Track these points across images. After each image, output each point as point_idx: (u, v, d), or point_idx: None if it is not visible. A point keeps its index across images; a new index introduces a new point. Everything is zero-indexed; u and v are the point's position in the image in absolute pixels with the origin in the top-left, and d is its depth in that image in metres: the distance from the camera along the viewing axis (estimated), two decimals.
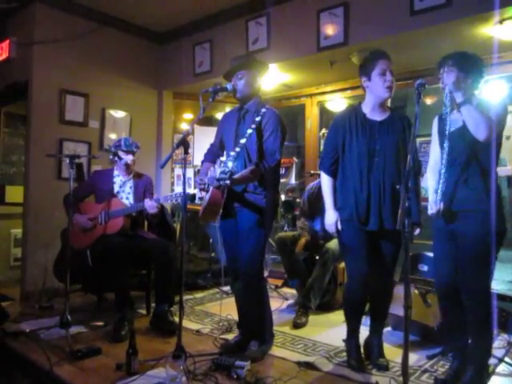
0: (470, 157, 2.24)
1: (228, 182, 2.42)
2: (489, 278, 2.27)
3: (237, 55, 2.89)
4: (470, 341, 2.34)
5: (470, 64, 2.28)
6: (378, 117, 2.50)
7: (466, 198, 2.24)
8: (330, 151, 2.58)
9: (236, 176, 2.50)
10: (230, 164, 2.46)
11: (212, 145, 2.97)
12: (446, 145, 2.28)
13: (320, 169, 2.67)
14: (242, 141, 2.55)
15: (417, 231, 2.40)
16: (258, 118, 2.59)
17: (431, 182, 2.42)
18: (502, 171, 3.86)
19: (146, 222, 3.73)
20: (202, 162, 2.96)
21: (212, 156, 2.90)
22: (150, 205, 3.25)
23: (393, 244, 2.49)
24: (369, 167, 2.43)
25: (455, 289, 2.32)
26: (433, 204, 2.32)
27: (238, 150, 2.54)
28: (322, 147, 5.04)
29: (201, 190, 2.66)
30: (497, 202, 2.23)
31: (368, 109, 2.51)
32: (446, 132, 2.31)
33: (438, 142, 2.42)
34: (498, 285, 3.71)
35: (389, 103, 2.64)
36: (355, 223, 2.45)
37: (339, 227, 2.52)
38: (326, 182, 2.60)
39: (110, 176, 3.58)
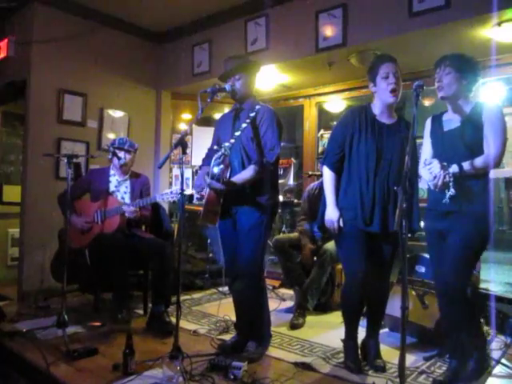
0: (466, 158, 2.24)
1: (218, 186, 2.45)
2: (468, 275, 2.33)
3: (230, 56, 2.87)
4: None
5: (467, 66, 2.30)
6: (386, 120, 2.51)
7: (460, 199, 2.24)
8: (336, 147, 2.55)
9: (234, 179, 2.51)
10: (215, 169, 2.49)
11: (209, 149, 2.96)
12: (440, 143, 2.29)
13: (323, 164, 2.62)
14: (237, 133, 2.55)
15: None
16: (252, 114, 2.59)
17: (425, 174, 2.38)
18: (500, 173, 3.86)
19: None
20: (201, 167, 2.95)
21: (210, 160, 2.89)
22: (128, 210, 3.26)
23: (391, 245, 2.50)
24: (375, 168, 2.43)
25: (454, 288, 2.33)
26: (432, 178, 2.24)
27: (232, 141, 2.54)
28: (320, 148, 5.05)
29: (199, 194, 2.67)
30: (489, 204, 2.25)
31: (377, 112, 2.52)
32: (445, 131, 2.32)
33: (430, 142, 2.43)
34: (495, 286, 3.72)
35: None
36: (358, 224, 2.44)
37: (341, 224, 2.50)
38: (328, 177, 2.57)
39: (106, 175, 3.58)
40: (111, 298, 3.40)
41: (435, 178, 2.20)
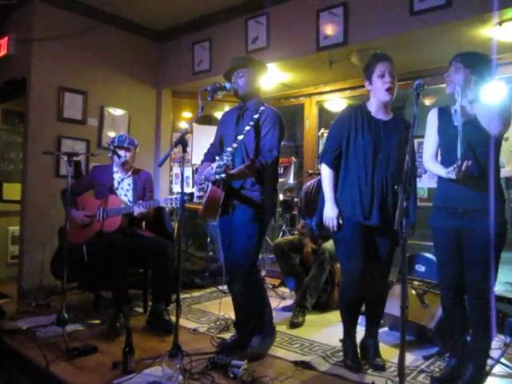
0: (482, 150, 2.22)
1: (223, 175, 2.42)
2: (495, 278, 2.27)
3: (236, 56, 2.90)
4: (469, 340, 2.35)
5: (477, 62, 2.27)
6: (382, 117, 2.52)
7: (474, 197, 2.22)
8: (333, 144, 2.57)
9: (233, 171, 2.51)
10: (225, 158, 2.47)
11: (212, 145, 2.97)
12: (459, 140, 2.25)
13: (322, 161, 2.63)
14: (240, 137, 2.56)
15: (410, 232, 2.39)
16: (256, 116, 2.60)
17: (436, 167, 2.33)
18: (501, 173, 3.85)
19: (143, 221, 3.73)
20: (202, 162, 2.96)
21: (211, 156, 2.89)
22: (136, 210, 3.26)
23: (390, 242, 2.49)
24: (373, 163, 2.43)
25: (460, 289, 2.31)
26: (452, 168, 2.16)
27: (235, 145, 2.55)
28: (320, 147, 5.04)
29: (200, 189, 2.66)
30: (502, 202, 2.25)
31: (372, 109, 2.53)
32: (456, 125, 2.29)
33: (435, 134, 2.38)
34: (495, 286, 3.71)
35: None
36: (356, 219, 2.44)
37: (340, 221, 2.50)
38: (326, 174, 2.57)
39: (110, 172, 3.58)
40: (111, 297, 3.40)
41: (454, 166, 2.13)
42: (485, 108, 2.19)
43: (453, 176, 2.16)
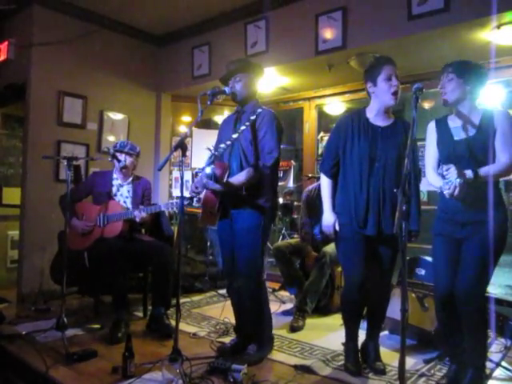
0: (476, 168, 2.22)
1: (213, 166, 2.50)
2: (488, 283, 2.26)
3: (232, 59, 2.90)
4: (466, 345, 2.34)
5: (469, 71, 2.26)
6: (381, 122, 2.49)
7: (474, 209, 2.21)
8: (331, 153, 2.58)
9: (232, 181, 2.53)
10: (207, 170, 2.51)
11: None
12: (452, 152, 2.25)
13: (320, 170, 2.66)
14: (235, 135, 2.56)
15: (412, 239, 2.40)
16: (252, 117, 2.60)
17: (436, 178, 2.30)
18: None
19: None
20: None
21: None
22: (137, 215, 3.26)
23: (390, 249, 2.48)
24: (369, 171, 2.42)
25: (476, 297, 2.29)
26: (449, 184, 2.09)
27: (228, 143, 2.55)
28: (320, 150, 5.06)
29: (193, 192, 2.67)
30: (504, 212, 2.23)
31: (372, 114, 2.50)
32: (456, 140, 2.29)
33: (436, 149, 2.37)
34: (495, 289, 3.72)
35: None
36: (354, 227, 2.45)
37: (337, 228, 2.51)
38: (325, 184, 2.60)
39: (109, 178, 3.56)
40: (111, 302, 3.40)
41: (450, 186, 2.08)
42: (492, 174, 2.15)
43: (447, 196, 2.12)
